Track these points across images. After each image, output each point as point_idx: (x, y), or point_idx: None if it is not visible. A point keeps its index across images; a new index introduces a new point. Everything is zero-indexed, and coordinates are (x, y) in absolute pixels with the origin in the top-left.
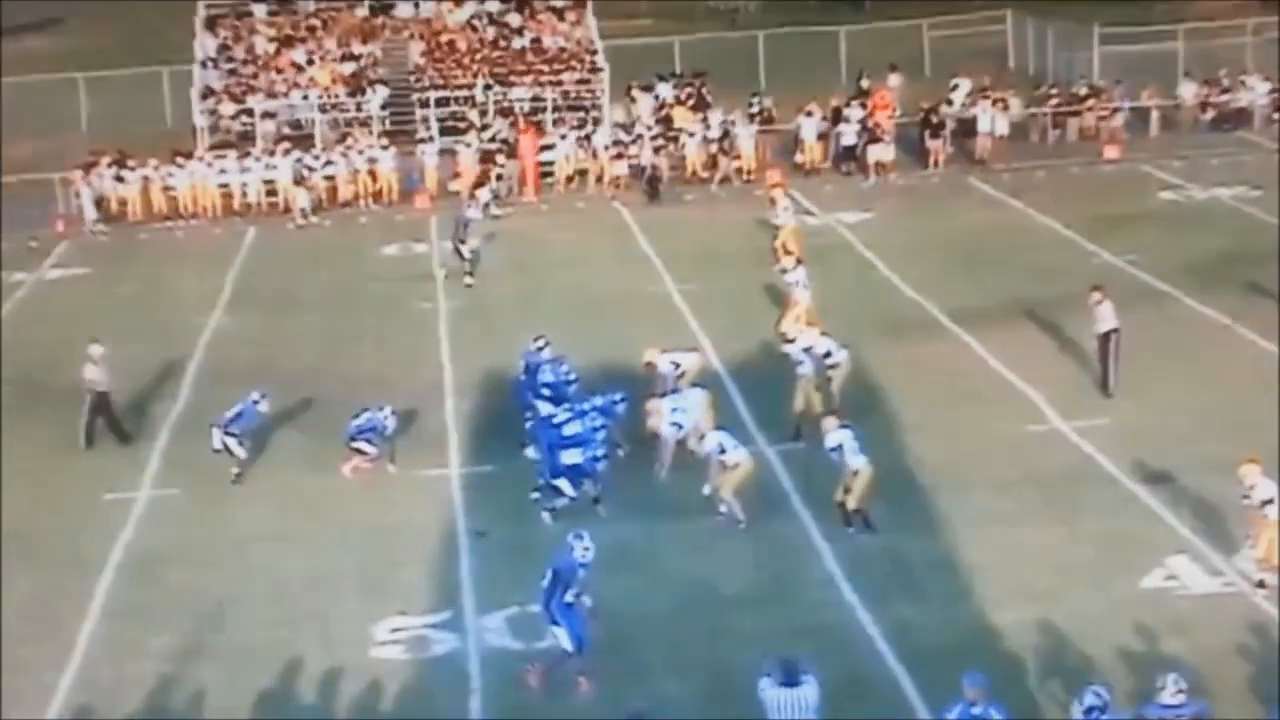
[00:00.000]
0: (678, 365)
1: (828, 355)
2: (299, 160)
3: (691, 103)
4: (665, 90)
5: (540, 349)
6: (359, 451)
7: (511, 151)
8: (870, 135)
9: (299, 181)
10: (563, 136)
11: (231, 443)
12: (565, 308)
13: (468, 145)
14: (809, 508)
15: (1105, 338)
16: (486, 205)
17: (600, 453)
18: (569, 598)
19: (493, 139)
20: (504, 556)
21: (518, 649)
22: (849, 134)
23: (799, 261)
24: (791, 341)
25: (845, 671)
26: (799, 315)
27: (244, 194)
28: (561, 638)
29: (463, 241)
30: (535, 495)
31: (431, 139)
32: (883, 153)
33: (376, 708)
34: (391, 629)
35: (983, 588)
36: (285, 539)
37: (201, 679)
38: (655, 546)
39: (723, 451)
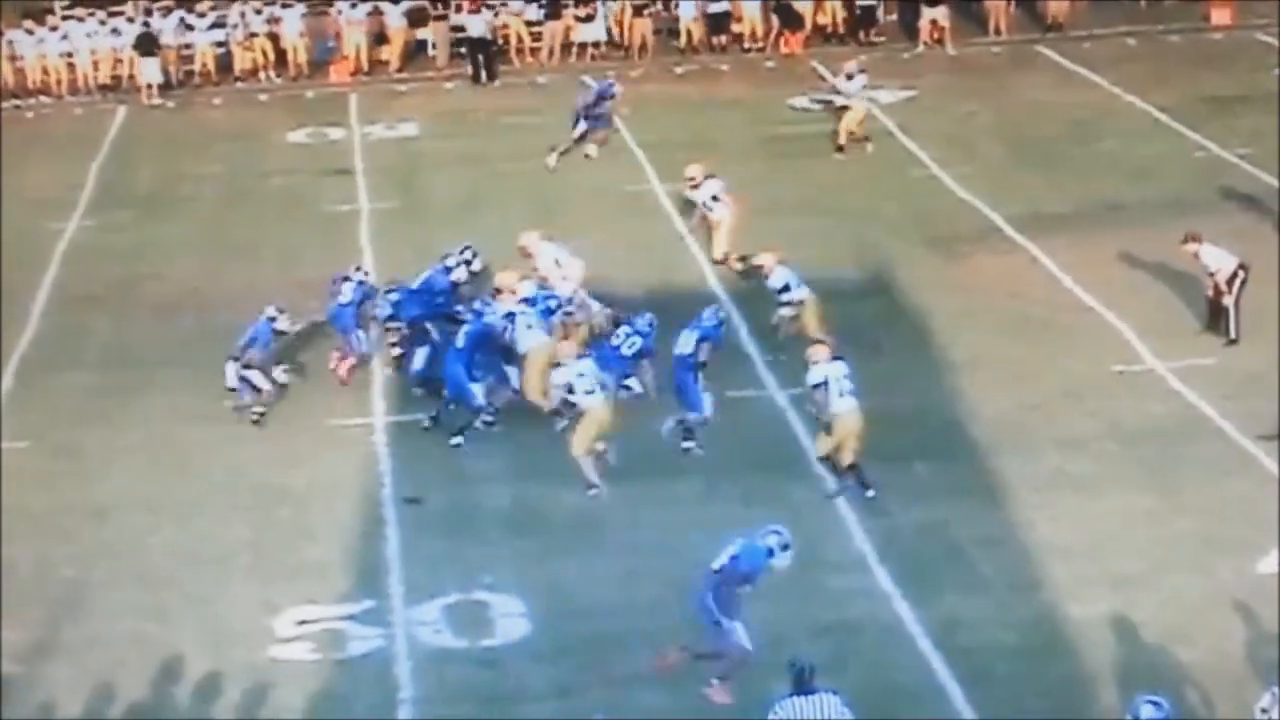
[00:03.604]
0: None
1: (784, 290)
2: (181, 20)
3: None
4: None
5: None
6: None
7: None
8: None
9: (148, 49)
10: None
11: (254, 376)
12: (521, 211)
13: (394, 2)
14: (832, 470)
15: (1231, 280)
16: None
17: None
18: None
19: None
20: (441, 530)
21: (458, 648)
22: None
23: (708, 176)
24: (752, 265)
25: (879, 681)
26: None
27: (113, 64)
28: (741, 635)
29: (589, 119)
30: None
31: None
32: (938, 12)
33: None
34: (297, 621)
35: (1054, 573)
36: (159, 505)
37: (52, 681)
38: (634, 516)
39: (570, 391)
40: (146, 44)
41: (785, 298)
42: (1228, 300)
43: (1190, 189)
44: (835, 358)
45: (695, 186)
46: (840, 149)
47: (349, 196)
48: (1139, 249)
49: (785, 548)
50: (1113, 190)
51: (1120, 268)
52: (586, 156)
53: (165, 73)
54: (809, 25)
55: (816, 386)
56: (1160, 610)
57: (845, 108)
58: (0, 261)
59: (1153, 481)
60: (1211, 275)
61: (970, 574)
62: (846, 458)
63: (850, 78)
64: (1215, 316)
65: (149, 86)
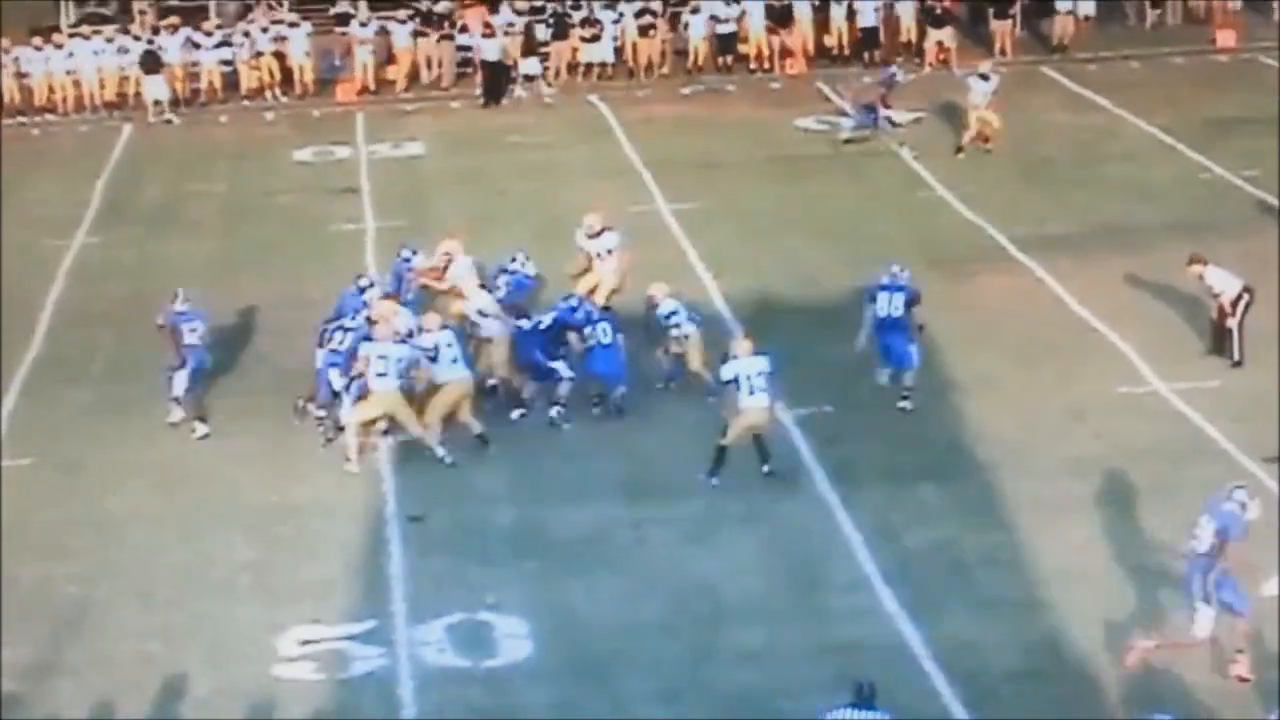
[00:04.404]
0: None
1: (672, 315)
2: (188, 39)
3: None
4: None
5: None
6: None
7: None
8: (929, 12)
9: (152, 67)
10: (519, 12)
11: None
12: (526, 230)
13: (402, 23)
14: (838, 488)
15: (1235, 302)
16: (530, 78)
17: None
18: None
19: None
20: (445, 549)
21: (461, 667)
22: (867, 11)
23: (605, 228)
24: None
25: (884, 701)
26: (596, 288)
27: (120, 83)
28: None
29: (887, 108)
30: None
31: (353, 15)
32: (945, 34)
33: None
34: (300, 641)
35: (1059, 594)
36: (163, 523)
37: (55, 700)
38: (640, 536)
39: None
40: (151, 62)
41: (674, 332)
42: (1231, 323)
43: (1195, 211)
44: (760, 353)
45: (593, 236)
46: (960, 150)
47: (355, 215)
48: (1144, 271)
49: (1250, 497)
50: (1118, 212)
51: (1125, 289)
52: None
53: (172, 90)
54: (813, 47)
55: (727, 383)
56: (1167, 633)
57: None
58: (4, 278)
59: (1158, 503)
60: (1216, 297)
61: (976, 595)
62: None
63: (985, 79)
64: (1219, 339)
65: (155, 104)
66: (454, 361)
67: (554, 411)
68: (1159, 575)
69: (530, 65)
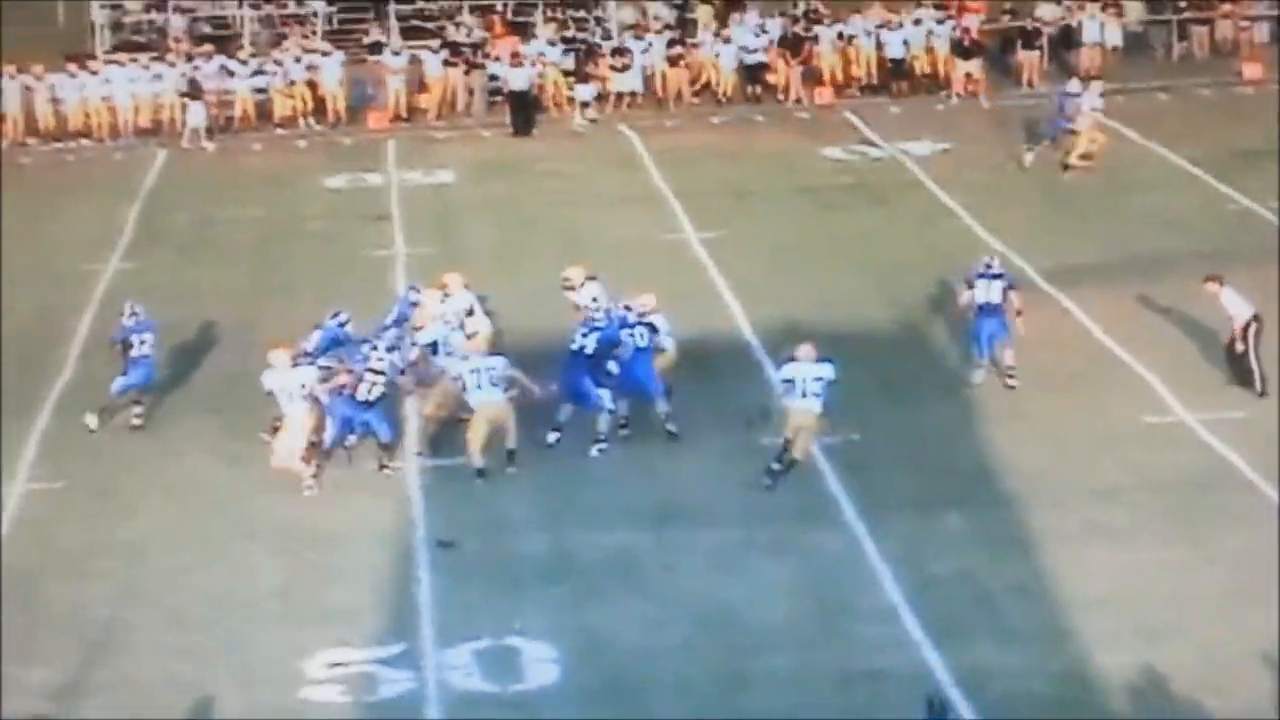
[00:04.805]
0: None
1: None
2: (222, 67)
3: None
4: None
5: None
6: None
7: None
8: (960, 45)
9: (193, 95)
10: (551, 42)
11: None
12: (555, 258)
13: (434, 51)
14: (863, 516)
15: (1245, 329)
16: (586, 105)
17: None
18: None
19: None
20: (474, 574)
21: (489, 692)
22: (895, 43)
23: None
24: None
25: None
26: None
27: (154, 109)
28: None
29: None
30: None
31: (385, 44)
32: (973, 65)
33: None
34: (328, 664)
35: (1085, 623)
36: (193, 546)
37: None
38: (668, 562)
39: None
40: (194, 88)
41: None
42: (1240, 347)
43: (1221, 241)
44: (822, 360)
45: (572, 289)
46: (1067, 168)
47: (386, 242)
48: (1170, 301)
49: None
50: (1144, 243)
51: (1151, 319)
52: None
53: (207, 118)
54: (841, 77)
55: (785, 383)
56: (1190, 662)
57: (1072, 132)
58: (38, 302)
59: (1183, 533)
60: (1230, 320)
61: (1001, 624)
62: (796, 452)
63: (1080, 94)
64: (1233, 364)
65: (194, 131)
66: (493, 385)
67: (595, 450)
68: (1186, 605)
69: (584, 92)
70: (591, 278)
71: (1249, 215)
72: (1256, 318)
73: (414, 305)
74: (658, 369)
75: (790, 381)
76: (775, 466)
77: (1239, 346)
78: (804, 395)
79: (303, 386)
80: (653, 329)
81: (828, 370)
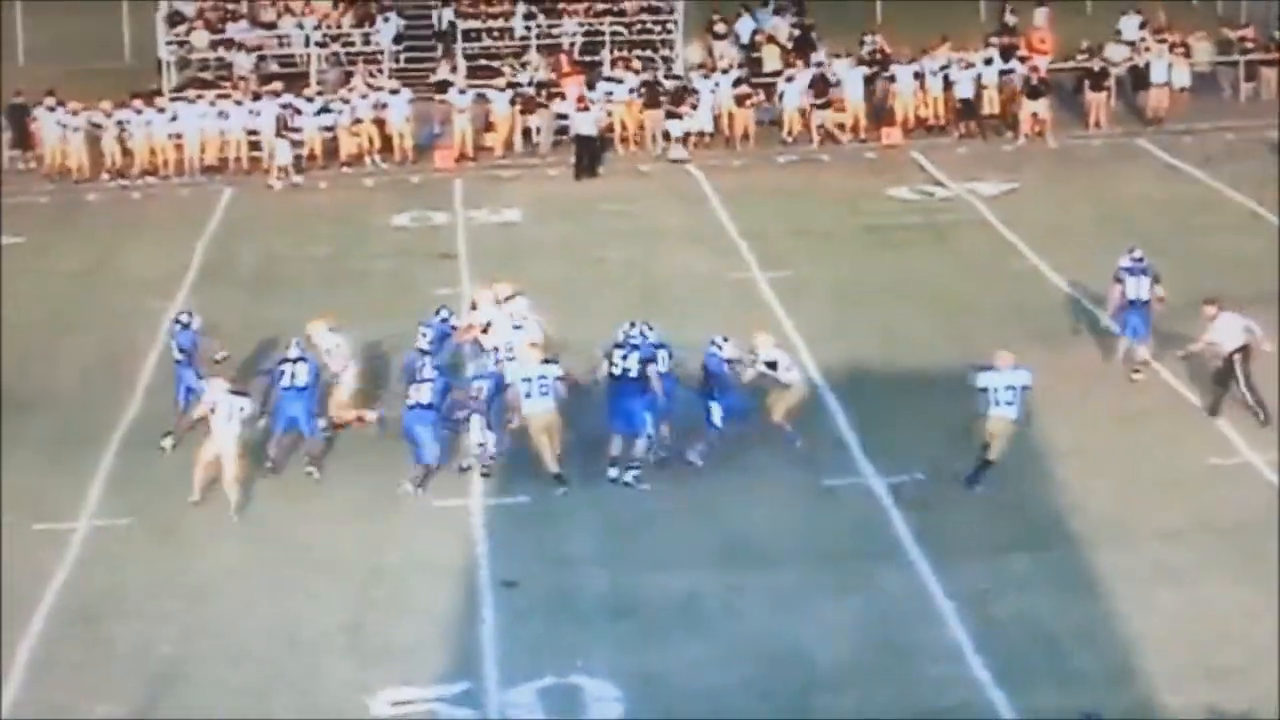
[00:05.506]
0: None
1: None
2: (287, 105)
3: (792, 42)
4: (755, 24)
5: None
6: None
7: (544, 99)
8: (1028, 84)
9: (282, 131)
10: (619, 81)
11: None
12: (622, 297)
13: (500, 90)
14: (928, 556)
15: (1230, 359)
16: (668, 137)
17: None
18: None
19: (529, 84)
20: (537, 614)
21: None
22: (965, 82)
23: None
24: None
25: None
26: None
27: (220, 147)
28: None
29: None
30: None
31: (452, 83)
32: (1040, 105)
33: None
34: (392, 702)
35: (1150, 664)
36: (257, 583)
37: None
38: (731, 602)
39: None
40: (281, 126)
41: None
42: (1233, 379)
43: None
44: (1018, 368)
45: (498, 301)
46: None
47: (452, 280)
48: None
49: None
50: (1211, 284)
51: (1216, 361)
52: None
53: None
54: (912, 118)
55: (980, 391)
56: (1258, 703)
57: None
58: (106, 338)
59: (1250, 574)
60: (1211, 345)
61: (1066, 665)
62: (992, 454)
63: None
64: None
65: (281, 169)
66: (543, 394)
67: (630, 476)
68: (1251, 646)
69: (676, 128)
70: (509, 297)
71: None
72: (1245, 349)
73: (453, 328)
74: (785, 407)
75: (985, 390)
76: (974, 470)
77: (1235, 376)
78: (996, 404)
79: (241, 409)
80: (670, 354)
81: (1022, 377)
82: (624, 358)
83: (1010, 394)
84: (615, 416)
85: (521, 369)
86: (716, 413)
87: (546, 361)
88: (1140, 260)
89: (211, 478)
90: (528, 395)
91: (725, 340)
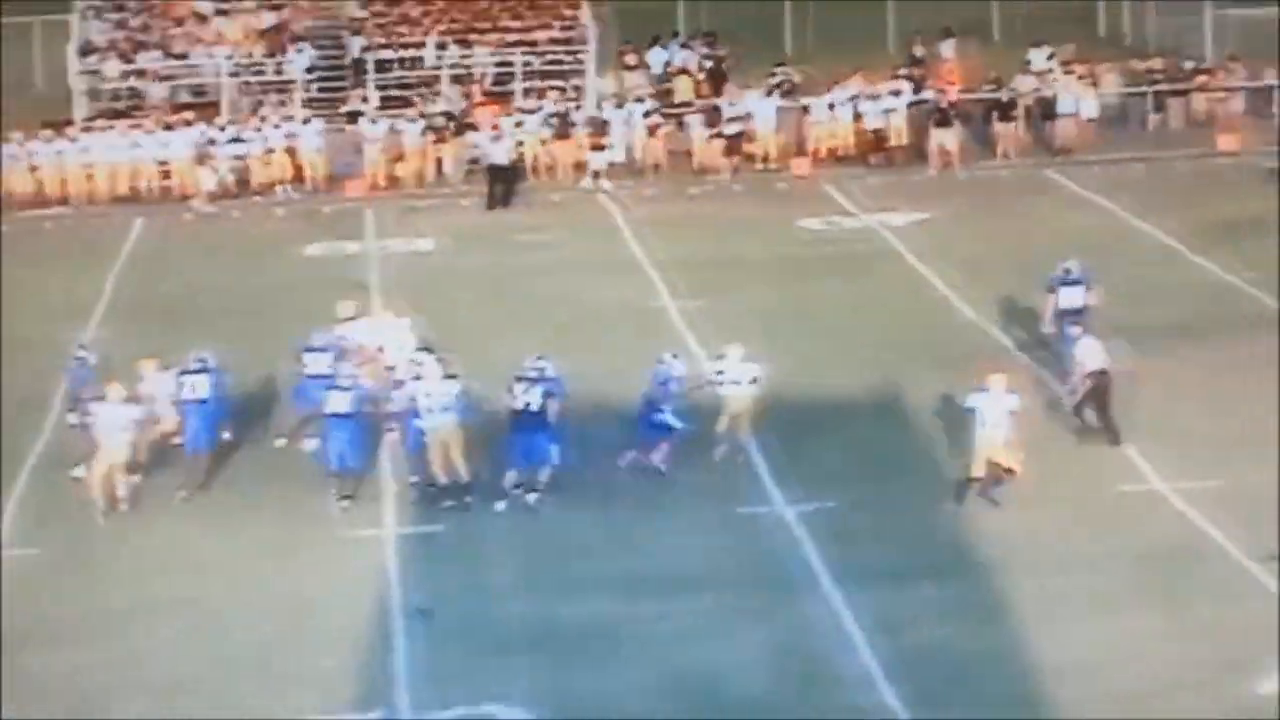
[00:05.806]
0: None
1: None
2: (201, 134)
3: (703, 73)
4: (667, 56)
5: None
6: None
7: (459, 130)
8: (939, 115)
9: (202, 160)
10: (530, 112)
11: None
12: (537, 328)
13: (412, 121)
14: (841, 585)
15: (1086, 378)
16: (597, 175)
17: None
18: None
19: (441, 115)
20: (450, 642)
21: None
22: (874, 114)
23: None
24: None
25: None
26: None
27: (132, 176)
28: None
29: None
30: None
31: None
32: (948, 136)
33: None
34: None
35: (1061, 691)
36: (175, 613)
37: None
38: (645, 629)
39: None
40: (201, 154)
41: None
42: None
43: (1197, 313)
44: (1010, 392)
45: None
46: None
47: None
48: (1145, 372)
49: None
50: (1120, 313)
51: (1126, 389)
52: None
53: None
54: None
55: (968, 412)
56: None
57: None
58: (13, 369)
59: (1159, 601)
60: (1079, 364)
61: (978, 692)
62: (1001, 466)
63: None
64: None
65: (205, 194)
66: (444, 411)
67: (531, 498)
68: (1159, 672)
69: (597, 160)
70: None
71: (1225, 286)
72: (1104, 372)
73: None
74: (736, 419)
75: (973, 411)
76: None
77: (1078, 396)
78: (983, 426)
79: (134, 419)
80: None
81: (1010, 402)
82: (525, 391)
83: (995, 415)
84: (513, 450)
85: (424, 385)
86: (672, 419)
87: (448, 378)
88: (1069, 273)
89: (112, 494)
90: (429, 410)
91: (674, 356)
